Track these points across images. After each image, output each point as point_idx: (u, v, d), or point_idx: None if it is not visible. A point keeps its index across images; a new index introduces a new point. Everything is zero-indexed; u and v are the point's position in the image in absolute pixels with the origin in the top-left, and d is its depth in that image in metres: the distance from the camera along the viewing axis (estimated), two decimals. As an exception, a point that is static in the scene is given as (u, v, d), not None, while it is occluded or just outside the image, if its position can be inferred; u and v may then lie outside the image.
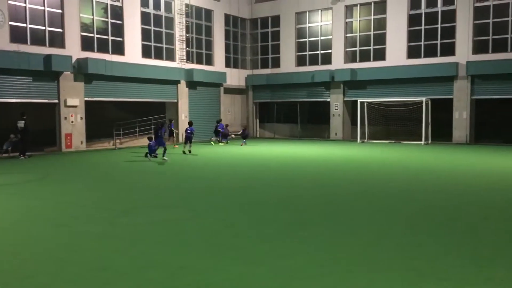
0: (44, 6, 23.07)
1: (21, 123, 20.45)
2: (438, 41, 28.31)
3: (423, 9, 28.73)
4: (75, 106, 24.18)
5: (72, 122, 24.14)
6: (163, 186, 13.41)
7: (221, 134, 29.30)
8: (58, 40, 23.80)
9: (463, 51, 27.33)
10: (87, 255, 6.82)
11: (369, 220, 8.91)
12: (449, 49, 27.92)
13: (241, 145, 27.67)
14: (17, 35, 22.06)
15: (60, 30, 23.80)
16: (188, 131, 22.42)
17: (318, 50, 32.86)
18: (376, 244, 7.31)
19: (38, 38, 22.95)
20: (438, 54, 28.27)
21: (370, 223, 8.66)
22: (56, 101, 23.60)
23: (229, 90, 34.23)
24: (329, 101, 32.30)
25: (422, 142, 27.37)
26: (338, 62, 31.64)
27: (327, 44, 32.40)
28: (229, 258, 6.61)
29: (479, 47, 27.23)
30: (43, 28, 23.16)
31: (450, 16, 27.87)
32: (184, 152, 22.17)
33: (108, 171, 17.10)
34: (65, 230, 8.37)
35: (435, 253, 6.78)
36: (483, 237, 7.70)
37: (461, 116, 27.70)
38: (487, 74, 26.66)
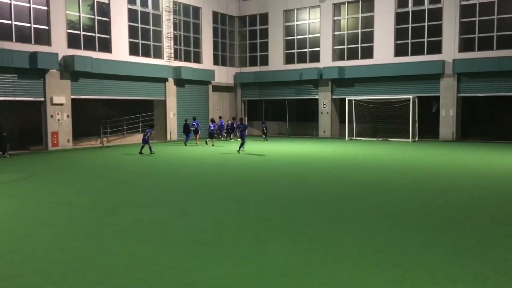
0: (29, 3, 22.77)
1: None
2: (425, 39, 28.53)
3: (410, 7, 28.92)
4: (62, 104, 23.93)
5: (58, 120, 23.90)
6: (150, 184, 13.34)
7: (237, 131, 29.91)
8: (44, 37, 23.52)
9: (450, 49, 27.58)
10: (73, 255, 6.76)
11: (355, 218, 8.95)
12: (435, 47, 28.16)
13: (265, 140, 29.23)
14: (1, 32, 21.76)
15: (46, 27, 23.53)
16: (211, 127, 25.59)
17: (306, 48, 32.92)
18: (362, 241, 7.35)
19: (23, 35, 22.67)
20: (425, 52, 28.50)
21: (357, 221, 8.70)
22: (42, 99, 23.34)
23: (218, 88, 34.16)
24: (317, 99, 32.40)
25: (410, 140, 27.58)
26: (326, 60, 31.74)
27: (315, 42, 32.47)
28: (216, 257, 6.60)
29: (465, 45, 27.50)
30: (29, 25, 22.86)
31: (436, 14, 28.11)
32: (212, 144, 25.43)
33: (95, 169, 16.96)
34: (52, 230, 8.29)
35: (421, 250, 6.85)
36: (468, 234, 7.78)
37: (447, 114, 27.96)
38: (473, 72, 26.94)
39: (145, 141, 21.33)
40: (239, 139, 28.85)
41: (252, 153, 21.41)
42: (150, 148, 21.19)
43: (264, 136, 30.11)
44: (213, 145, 25.60)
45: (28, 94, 22.85)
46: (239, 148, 21.40)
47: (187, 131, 27.24)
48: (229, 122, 30.91)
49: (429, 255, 6.58)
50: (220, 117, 31.41)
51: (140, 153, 21.13)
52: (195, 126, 27.29)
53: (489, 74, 26.53)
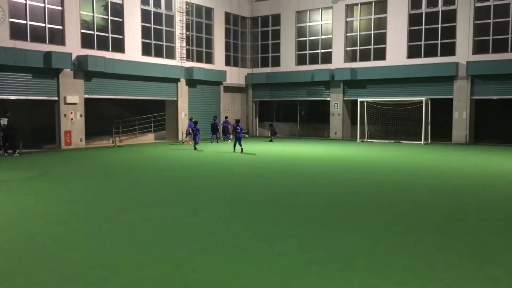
0: (44, 3, 23.04)
1: (4, 121, 20.44)
2: (439, 41, 28.30)
3: (423, 9, 28.71)
4: (75, 104, 24.16)
5: (71, 119, 24.13)
6: (161, 183, 13.40)
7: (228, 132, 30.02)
8: (58, 37, 23.78)
9: (463, 51, 27.31)
10: (85, 253, 6.82)
11: (366, 219, 8.91)
12: (449, 49, 27.91)
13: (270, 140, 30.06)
14: (17, 32, 22.04)
15: (60, 27, 23.78)
16: (238, 129, 24.59)
17: (318, 49, 32.84)
18: (373, 243, 7.30)
19: (38, 35, 22.93)
20: (438, 54, 28.26)
21: (367, 222, 8.66)
22: (56, 98, 23.59)
23: (229, 89, 34.22)
24: (329, 100, 32.30)
25: (422, 142, 27.36)
26: (338, 61, 31.62)
27: (327, 43, 32.38)
28: (226, 257, 6.61)
29: (479, 47, 27.22)
30: (43, 25, 23.13)
31: (450, 16, 27.86)
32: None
33: (107, 168, 17.09)
34: (63, 228, 8.37)
35: (433, 253, 6.78)
36: (481, 237, 7.70)
37: (460, 116, 27.70)
38: (487, 74, 26.65)
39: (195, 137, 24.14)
40: (230, 141, 28.99)
41: (262, 154, 21.43)
42: (196, 143, 24.09)
43: (271, 136, 30.38)
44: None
45: (42, 93, 23.11)
46: (234, 148, 22.61)
47: (214, 130, 28.97)
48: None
49: (440, 258, 6.52)
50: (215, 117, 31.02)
51: (195, 148, 23.75)
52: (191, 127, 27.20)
53: (504, 77, 26.22)
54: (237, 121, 23.62)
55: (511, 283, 5.65)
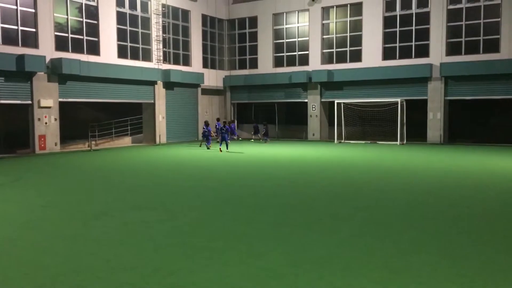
0: (16, 5, 22.59)
1: None
2: (413, 43, 28.78)
3: (398, 11, 29.17)
4: (49, 107, 23.73)
5: (46, 123, 23.68)
6: (139, 187, 13.26)
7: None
8: (31, 39, 23.33)
9: (437, 53, 27.85)
10: (60, 258, 6.69)
11: (343, 219, 8.99)
12: (423, 51, 28.42)
13: (266, 142, 30.94)
14: (-12, 35, 21.57)
15: (33, 30, 23.34)
16: (223, 131, 25.33)
17: (295, 51, 33.04)
18: (350, 243, 7.37)
19: (10, 38, 22.46)
20: (413, 56, 28.75)
21: (347, 222, 8.73)
22: (29, 102, 23.12)
23: (207, 91, 34.11)
24: (306, 102, 32.51)
25: (398, 142, 27.76)
26: (315, 63, 31.87)
27: (304, 45, 32.60)
28: (205, 259, 6.58)
29: (452, 49, 27.79)
30: (16, 27, 22.67)
31: (424, 18, 28.38)
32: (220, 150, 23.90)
33: (83, 172, 16.82)
34: (38, 233, 8.20)
35: (408, 251, 6.89)
36: (457, 236, 7.85)
37: (435, 117, 28.21)
38: (460, 75, 27.22)
39: (205, 136, 25.61)
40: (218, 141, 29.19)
41: (237, 156, 21.42)
42: (207, 143, 25.56)
43: (265, 137, 31.15)
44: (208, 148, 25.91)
45: (15, 97, 22.63)
46: (227, 148, 23.80)
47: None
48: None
49: (417, 256, 6.62)
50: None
51: (208, 148, 25.31)
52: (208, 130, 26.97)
53: (476, 78, 26.83)
54: (224, 123, 26.11)
55: (484, 280, 5.77)
